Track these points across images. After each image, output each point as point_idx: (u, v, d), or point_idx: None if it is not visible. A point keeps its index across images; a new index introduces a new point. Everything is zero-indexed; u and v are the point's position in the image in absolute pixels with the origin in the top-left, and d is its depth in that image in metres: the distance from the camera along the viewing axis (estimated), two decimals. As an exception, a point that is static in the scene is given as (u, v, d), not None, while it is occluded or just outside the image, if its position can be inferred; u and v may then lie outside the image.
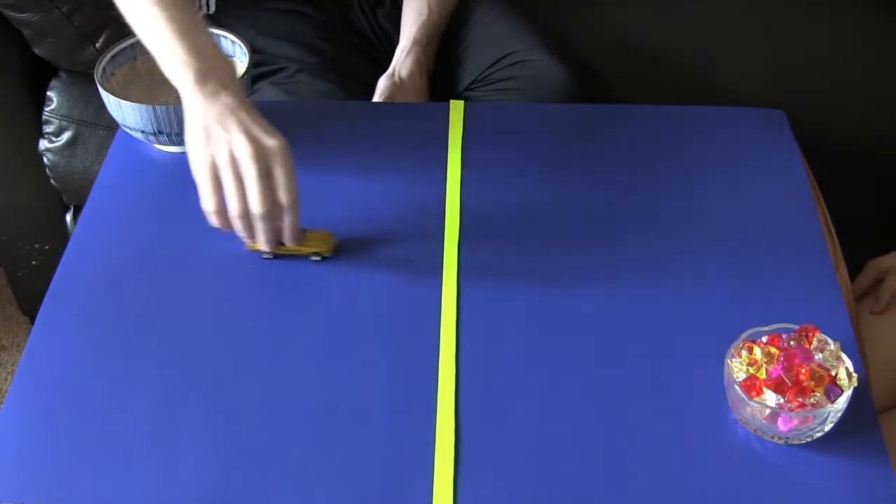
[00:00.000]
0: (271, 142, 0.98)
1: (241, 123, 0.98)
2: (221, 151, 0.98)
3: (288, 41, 1.44)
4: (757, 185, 1.15)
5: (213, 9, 1.50)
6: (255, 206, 0.98)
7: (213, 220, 1.01)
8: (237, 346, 0.98)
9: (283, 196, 0.99)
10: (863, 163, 1.65)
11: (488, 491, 0.87)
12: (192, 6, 1.06)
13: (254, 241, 1.03)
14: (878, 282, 1.25)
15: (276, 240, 1.02)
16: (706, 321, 1.00)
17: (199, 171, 0.99)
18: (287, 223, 1.01)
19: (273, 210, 0.99)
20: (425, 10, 1.44)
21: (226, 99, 0.99)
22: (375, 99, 1.38)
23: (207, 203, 1.00)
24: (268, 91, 1.41)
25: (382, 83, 1.39)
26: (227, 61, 1.04)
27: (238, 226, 1.01)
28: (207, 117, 0.99)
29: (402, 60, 1.41)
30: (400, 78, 1.40)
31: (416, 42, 1.42)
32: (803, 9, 1.71)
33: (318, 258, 1.05)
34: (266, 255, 1.05)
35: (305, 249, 1.04)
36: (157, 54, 1.04)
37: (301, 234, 1.04)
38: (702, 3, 1.73)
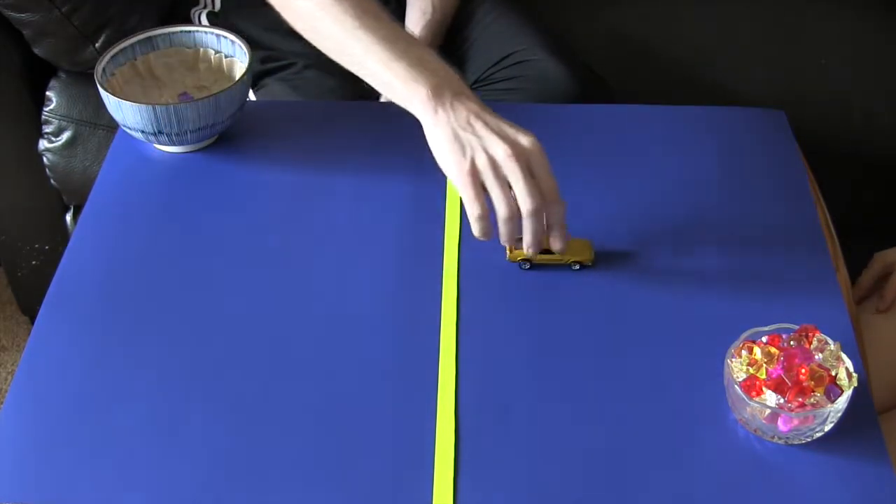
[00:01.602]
0: (526, 139, 0.97)
1: (491, 126, 0.97)
2: (480, 156, 0.96)
3: (295, 37, 1.43)
4: (757, 185, 1.15)
5: (219, 6, 1.50)
6: (525, 203, 0.96)
7: (479, 227, 0.98)
8: (237, 345, 0.98)
9: (547, 192, 0.97)
10: (863, 163, 1.65)
11: (488, 491, 0.87)
12: (391, 19, 1.05)
13: (517, 247, 1.02)
14: (885, 276, 1.24)
15: (541, 242, 1.00)
16: (706, 321, 1.00)
17: (460, 179, 0.97)
18: (554, 221, 0.99)
19: (541, 208, 0.97)
20: (429, 9, 1.44)
21: (468, 104, 0.98)
22: (382, 97, 1.38)
23: (474, 208, 0.97)
24: (275, 87, 1.41)
25: None
26: (450, 67, 1.03)
27: (505, 230, 0.99)
28: (455, 126, 0.98)
29: None
30: None
31: (421, 41, 1.43)
32: (803, 9, 1.71)
33: (577, 266, 1.04)
34: (525, 266, 1.04)
35: (565, 258, 1.03)
36: (377, 80, 1.03)
37: (566, 233, 1.02)
38: (702, 3, 1.73)
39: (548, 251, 1.02)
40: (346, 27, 1.03)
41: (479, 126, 0.97)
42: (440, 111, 0.98)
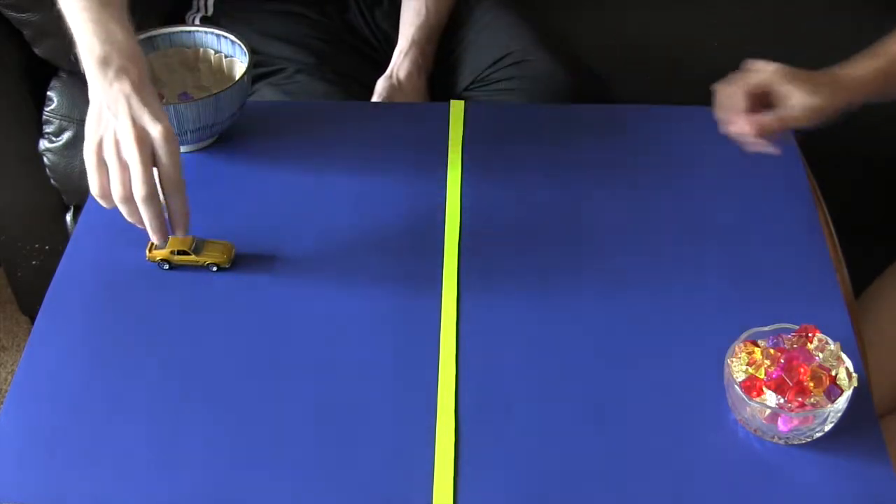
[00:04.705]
0: (156, 128, 0.97)
1: (129, 108, 0.98)
2: (108, 134, 0.98)
3: (286, 42, 1.44)
4: (757, 185, 1.15)
5: (211, 10, 1.50)
6: (137, 189, 0.97)
7: (101, 204, 1.01)
8: (237, 345, 0.98)
9: (165, 182, 0.98)
10: (863, 163, 1.65)
11: (488, 491, 0.87)
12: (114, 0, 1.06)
13: (155, 248, 1.04)
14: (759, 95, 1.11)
15: (162, 230, 1.00)
16: (706, 321, 1.00)
17: (86, 153, 0.99)
18: (172, 210, 1.00)
19: (154, 195, 0.98)
20: (423, 11, 1.44)
21: (121, 84, 0.99)
22: (374, 100, 1.38)
23: (92, 185, 1.00)
24: (266, 92, 1.41)
25: (381, 84, 1.39)
26: (135, 49, 1.03)
27: (123, 210, 1.00)
28: (103, 101, 0.99)
29: (400, 62, 1.41)
30: (398, 79, 1.39)
31: (415, 43, 1.42)
32: (804, 9, 1.71)
33: (215, 268, 1.05)
34: (163, 266, 1.05)
35: (201, 259, 1.04)
36: (73, 36, 1.04)
37: (196, 241, 1.04)
38: (702, 3, 1.72)
39: (184, 252, 1.04)
40: None
41: (122, 106, 0.98)
42: (98, 83, 1.00)
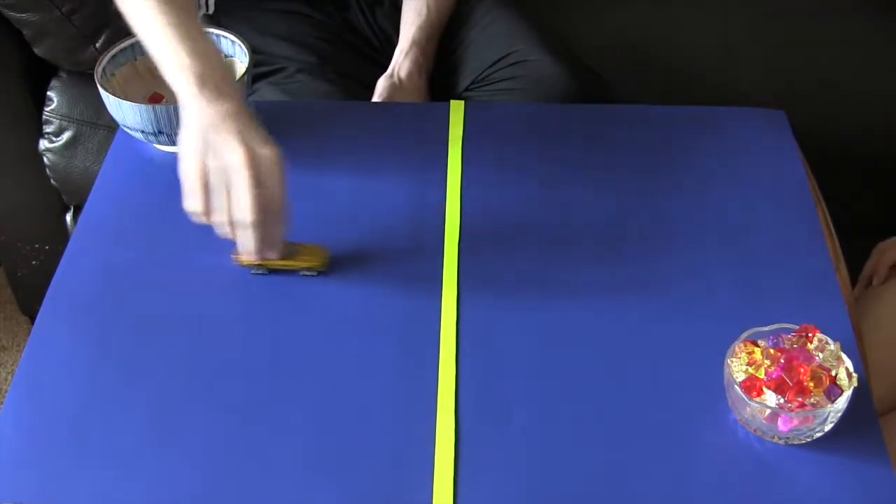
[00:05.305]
0: (264, 150, 0.96)
1: (236, 130, 0.97)
2: (213, 157, 0.97)
3: (287, 41, 1.44)
4: (757, 185, 1.15)
5: (212, 9, 1.50)
6: (245, 214, 0.96)
7: (197, 220, 1.00)
8: (237, 346, 0.98)
9: (272, 207, 0.97)
10: (863, 163, 1.65)
11: (488, 491, 0.87)
12: (193, 9, 1.05)
13: (239, 253, 1.02)
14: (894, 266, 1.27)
15: (263, 251, 1.00)
16: (706, 321, 1.00)
17: (189, 174, 0.98)
18: (272, 233, 0.99)
19: (264, 220, 0.97)
20: (424, 11, 1.44)
21: (223, 105, 0.98)
22: (374, 100, 1.38)
23: (194, 205, 0.98)
24: (267, 91, 1.41)
25: (381, 84, 1.39)
26: (226, 66, 1.03)
27: (222, 231, 0.99)
28: (203, 122, 0.98)
29: (400, 61, 1.41)
30: (399, 79, 1.40)
31: (415, 43, 1.42)
32: (803, 9, 1.71)
33: (310, 273, 1.04)
34: (256, 272, 1.04)
35: (296, 264, 1.03)
36: (158, 58, 1.03)
37: (288, 247, 1.02)
38: (702, 3, 1.73)
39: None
40: (146, 7, 1.03)
41: (224, 127, 0.97)
42: (196, 104, 0.98)
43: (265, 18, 1.47)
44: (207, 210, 0.98)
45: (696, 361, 0.96)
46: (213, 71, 1.00)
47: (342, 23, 1.50)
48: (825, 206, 1.16)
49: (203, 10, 1.50)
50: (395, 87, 1.39)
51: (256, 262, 1.02)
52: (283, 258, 1.02)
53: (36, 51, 1.58)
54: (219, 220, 0.98)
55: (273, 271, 1.04)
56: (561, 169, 1.17)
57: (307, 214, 1.09)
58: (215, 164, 0.96)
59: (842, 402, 0.87)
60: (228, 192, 0.97)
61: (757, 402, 0.87)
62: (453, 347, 0.97)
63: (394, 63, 1.42)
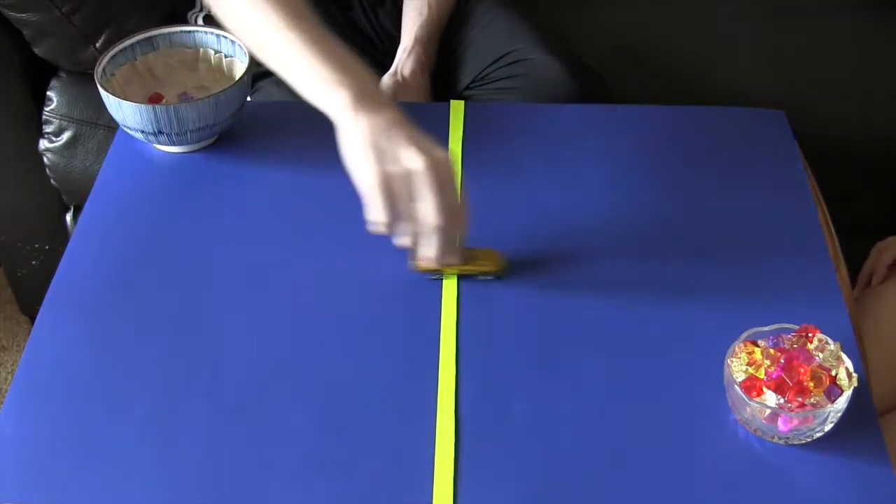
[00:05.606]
0: (441, 154, 0.96)
1: (408, 137, 0.96)
2: (394, 165, 0.96)
3: None
4: (757, 185, 1.15)
5: (214, 9, 1.50)
6: (433, 218, 0.96)
7: (378, 231, 0.98)
8: (237, 346, 0.98)
9: (455, 210, 0.97)
10: (863, 163, 1.65)
11: (488, 491, 0.87)
12: (322, 24, 1.04)
13: (418, 260, 1.01)
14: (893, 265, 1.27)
15: (444, 256, 1.00)
16: (706, 321, 1.00)
17: (371, 187, 0.96)
18: (456, 238, 0.99)
19: (450, 224, 0.97)
20: (425, 10, 1.44)
21: (386, 113, 0.98)
22: None
23: (380, 216, 0.97)
24: (270, 89, 1.41)
25: (385, 82, 1.40)
26: (370, 71, 1.02)
27: (406, 240, 0.99)
28: (373, 133, 0.97)
29: (404, 60, 1.42)
30: (403, 77, 1.40)
31: (418, 41, 1.43)
32: (803, 9, 1.71)
33: (488, 277, 1.03)
34: (433, 277, 1.03)
35: (474, 269, 1.03)
36: (299, 79, 1.02)
37: (466, 252, 1.02)
38: (702, 3, 1.73)
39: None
40: (274, 26, 1.02)
41: (397, 136, 0.96)
42: (360, 117, 0.97)
43: None
44: (393, 220, 0.97)
45: (696, 361, 0.96)
46: (366, 82, 1.00)
47: (345, 22, 1.50)
48: (825, 206, 1.16)
49: (205, 11, 1.50)
50: (399, 85, 1.39)
51: (435, 268, 1.02)
52: (462, 263, 1.02)
53: (36, 51, 1.58)
54: (404, 227, 0.98)
55: (448, 276, 1.03)
56: (560, 169, 1.17)
57: (307, 214, 1.09)
58: (397, 172, 0.96)
59: (842, 402, 0.87)
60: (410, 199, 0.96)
61: (757, 402, 0.87)
62: (453, 347, 0.97)
63: (397, 61, 1.42)
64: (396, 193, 0.96)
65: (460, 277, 1.03)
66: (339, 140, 0.99)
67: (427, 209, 0.96)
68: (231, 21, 1.10)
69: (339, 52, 1.01)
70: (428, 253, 1.00)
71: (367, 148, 0.97)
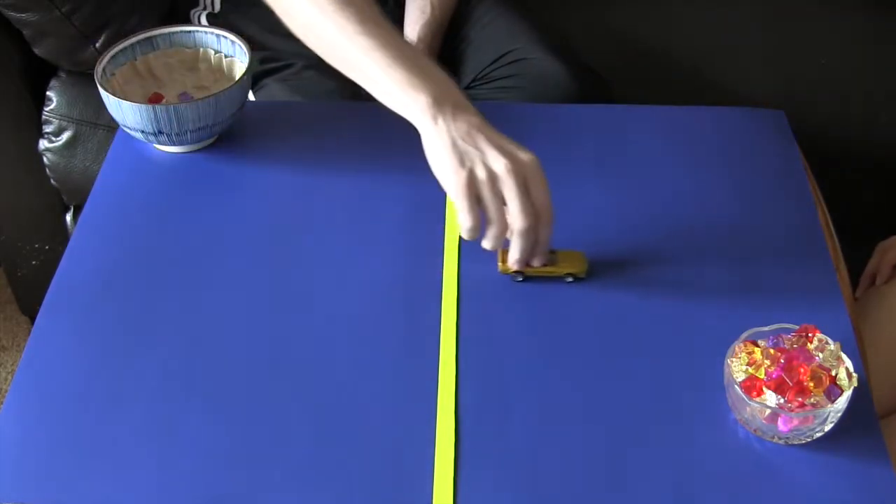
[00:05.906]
0: (525, 156, 0.96)
1: (491, 139, 0.96)
2: (479, 168, 0.96)
3: (294, 38, 1.44)
4: (757, 185, 1.15)
5: (218, 8, 1.50)
6: (519, 221, 0.96)
7: (469, 236, 0.98)
8: (237, 345, 0.98)
9: (541, 212, 0.97)
10: (863, 163, 1.65)
11: (488, 491, 0.87)
12: (396, 28, 1.04)
13: (505, 261, 1.02)
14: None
15: (529, 258, 1.00)
16: (706, 321, 1.00)
17: (458, 190, 0.96)
18: (541, 240, 0.99)
19: (535, 226, 0.97)
20: (427, 9, 1.45)
21: (467, 117, 0.97)
22: None
23: (468, 219, 0.97)
24: (274, 88, 1.41)
25: None
26: (451, 78, 1.02)
27: (495, 245, 0.99)
28: (455, 136, 0.96)
29: None
30: None
31: (421, 40, 1.43)
32: (803, 9, 1.71)
33: (570, 279, 1.03)
34: (518, 278, 1.03)
35: (557, 270, 1.02)
36: (375, 84, 1.01)
37: (549, 254, 1.02)
38: (702, 3, 1.73)
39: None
40: (348, 33, 1.02)
41: (479, 138, 0.96)
42: (440, 120, 0.97)
43: (273, 16, 1.47)
44: (479, 224, 0.97)
45: (696, 361, 0.96)
46: (446, 86, 0.99)
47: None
48: (825, 206, 1.16)
49: (209, 9, 1.50)
50: None
51: (519, 270, 1.02)
52: (545, 265, 1.02)
53: (36, 51, 1.58)
54: (493, 230, 0.98)
55: (530, 278, 1.03)
56: (561, 168, 1.16)
57: (307, 214, 1.09)
58: (482, 175, 0.96)
59: (842, 402, 0.87)
60: (499, 202, 0.96)
61: (757, 402, 0.87)
62: (453, 347, 0.97)
63: None
64: (482, 196, 0.96)
65: (543, 279, 1.03)
66: (423, 145, 0.99)
67: (513, 211, 0.96)
68: (299, 27, 1.09)
69: (415, 56, 1.01)
70: (514, 255, 0.99)
71: (450, 152, 0.96)
